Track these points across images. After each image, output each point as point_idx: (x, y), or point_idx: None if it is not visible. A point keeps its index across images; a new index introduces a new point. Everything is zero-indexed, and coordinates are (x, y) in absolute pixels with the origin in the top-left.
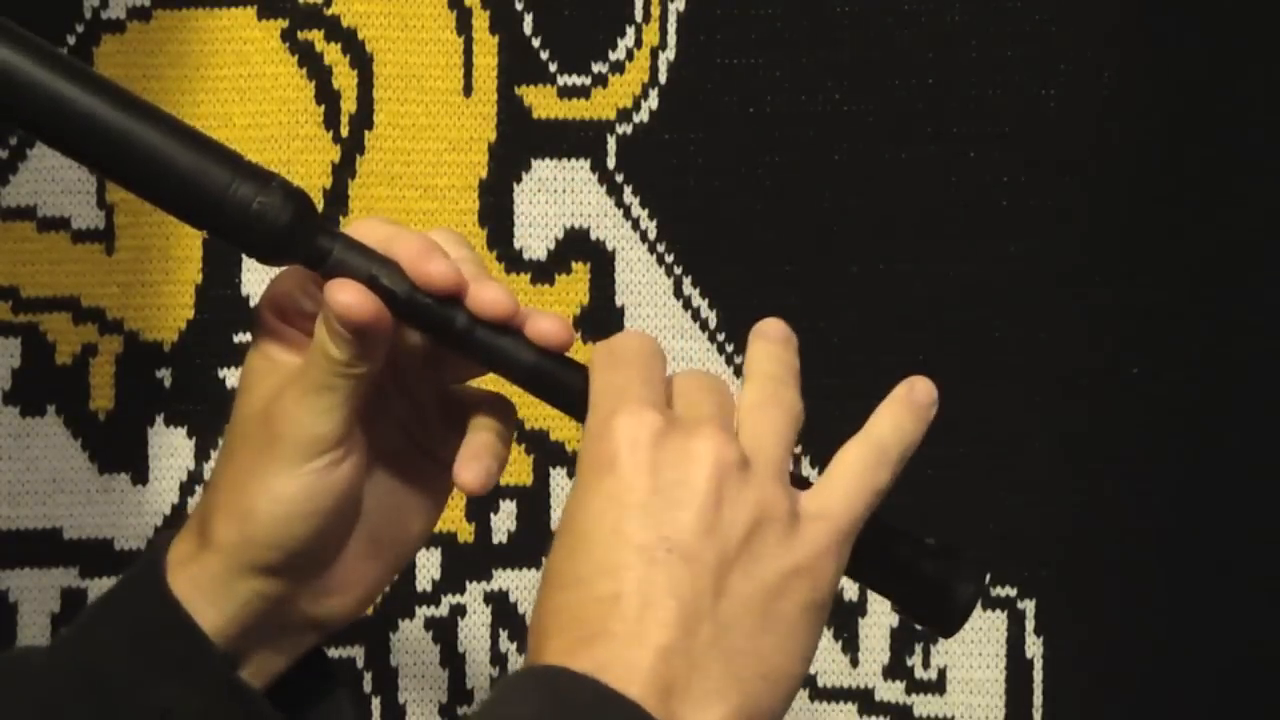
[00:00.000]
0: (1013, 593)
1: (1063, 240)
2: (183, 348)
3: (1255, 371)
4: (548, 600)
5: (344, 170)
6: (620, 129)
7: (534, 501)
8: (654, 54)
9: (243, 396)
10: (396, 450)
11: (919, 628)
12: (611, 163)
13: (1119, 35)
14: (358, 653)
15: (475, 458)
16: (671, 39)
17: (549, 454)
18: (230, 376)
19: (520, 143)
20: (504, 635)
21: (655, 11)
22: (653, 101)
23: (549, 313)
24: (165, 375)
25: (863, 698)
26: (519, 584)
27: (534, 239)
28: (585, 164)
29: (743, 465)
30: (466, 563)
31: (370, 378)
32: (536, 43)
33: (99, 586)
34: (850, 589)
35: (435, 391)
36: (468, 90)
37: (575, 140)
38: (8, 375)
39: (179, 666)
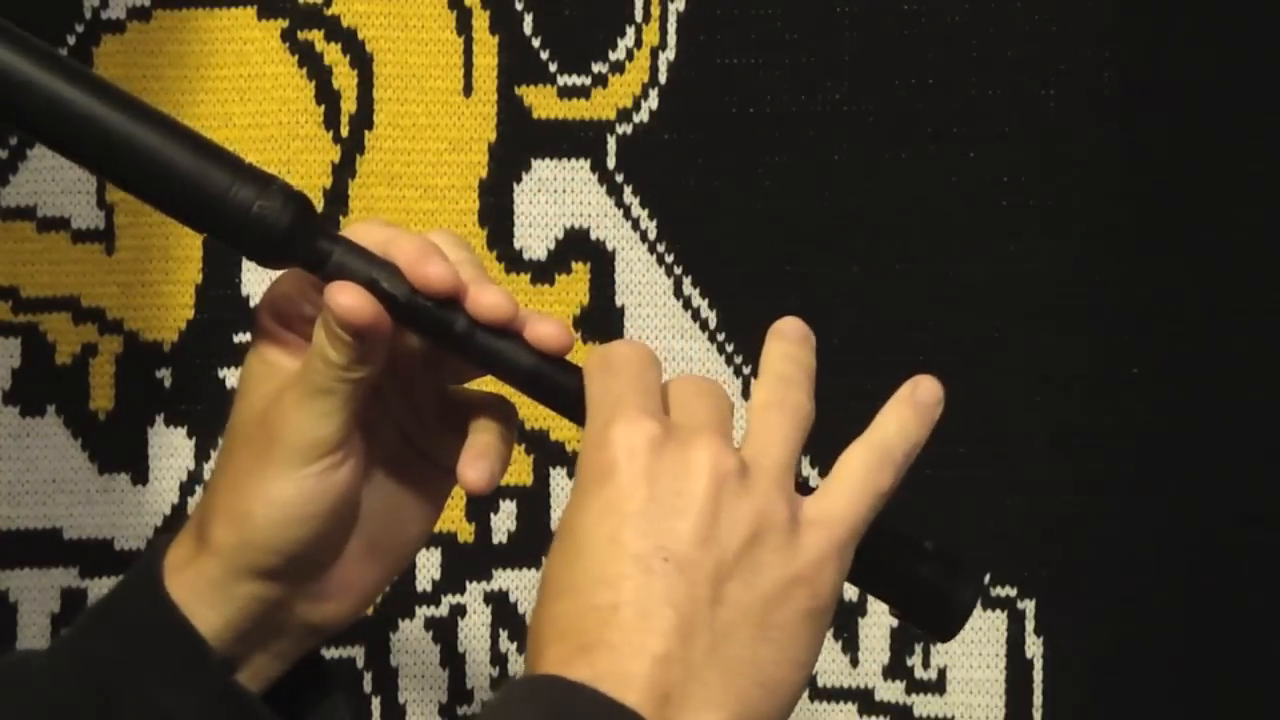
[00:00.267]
0: (1013, 593)
1: (1063, 240)
2: (183, 348)
3: (1255, 371)
4: (545, 609)
5: (344, 170)
6: (620, 129)
7: (534, 501)
8: (654, 54)
9: (241, 400)
10: (395, 453)
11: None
12: (611, 163)
13: (1119, 35)
14: (358, 653)
15: (480, 457)
16: (671, 39)
17: (549, 454)
18: (230, 376)
19: (520, 143)
20: (504, 635)
21: (655, 11)
22: (653, 101)
23: (548, 316)
24: (165, 375)
25: (863, 698)
26: (519, 584)
27: (534, 239)
28: (585, 164)
29: (741, 473)
30: (466, 563)
31: (369, 381)
32: (536, 43)
33: (99, 586)
34: (850, 589)
35: (434, 394)
36: (468, 90)
37: (575, 140)
38: (8, 375)
39: (177, 670)
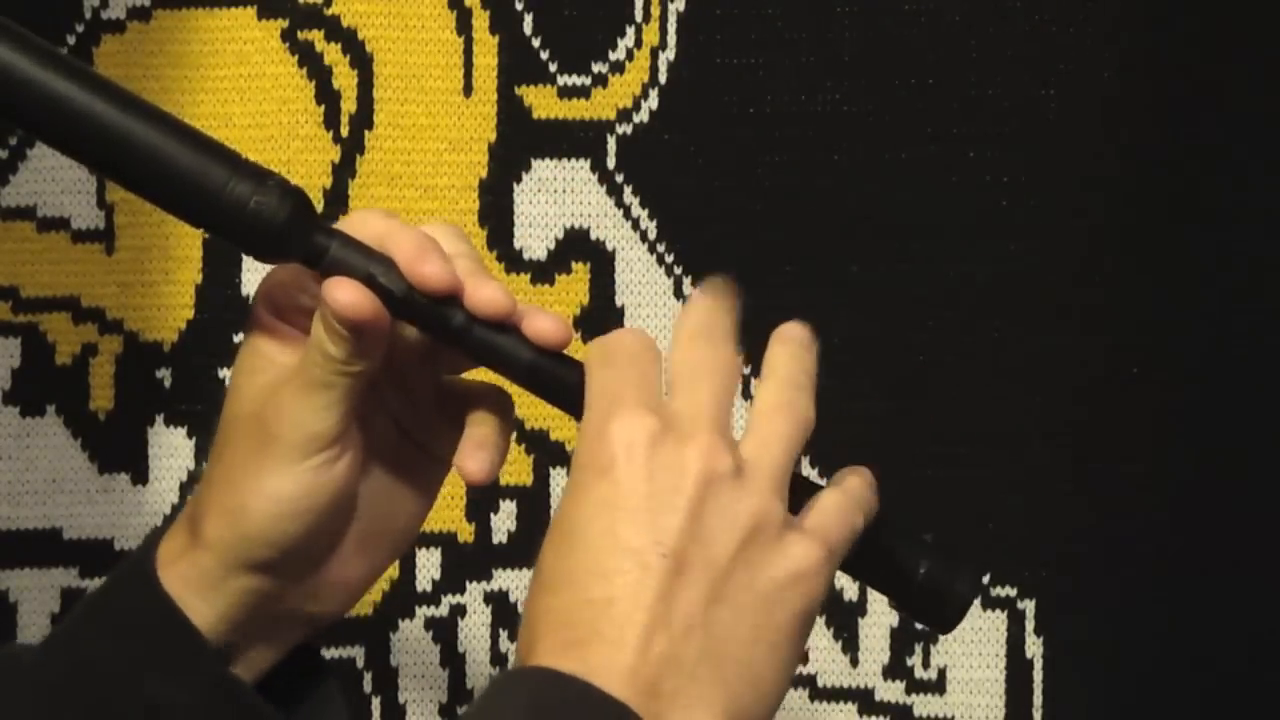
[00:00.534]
0: (1013, 593)
1: (1063, 240)
2: (183, 348)
3: (1255, 372)
4: (538, 601)
5: (344, 170)
6: (620, 129)
7: (534, 501)
8: (654, 54)
9: (234, 393)
10: (391, 445)
11: (918, 626)
12: (611, 163)
13: (1119, 35)
14: (358, 653)
15: (479, 448)
16: (671, 39)
17: (549, 454)
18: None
19: (520, 143)
20: (504, 635)
21: (655, 11)
22: (653, 101)
23: (547, 311)
24: (165, 375)
25: (863, 698)
26: (519, 584)
27: (534, 239)
28: (585, 164)
29: (736, 473)
30: (466, 563)
31: (368, 375)
32: (536, 43)
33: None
34: (850, 589)
35: (431, 386)
36: (468, 90)
37: (575, 140)
38: (8, 375)
39: (171, 662)
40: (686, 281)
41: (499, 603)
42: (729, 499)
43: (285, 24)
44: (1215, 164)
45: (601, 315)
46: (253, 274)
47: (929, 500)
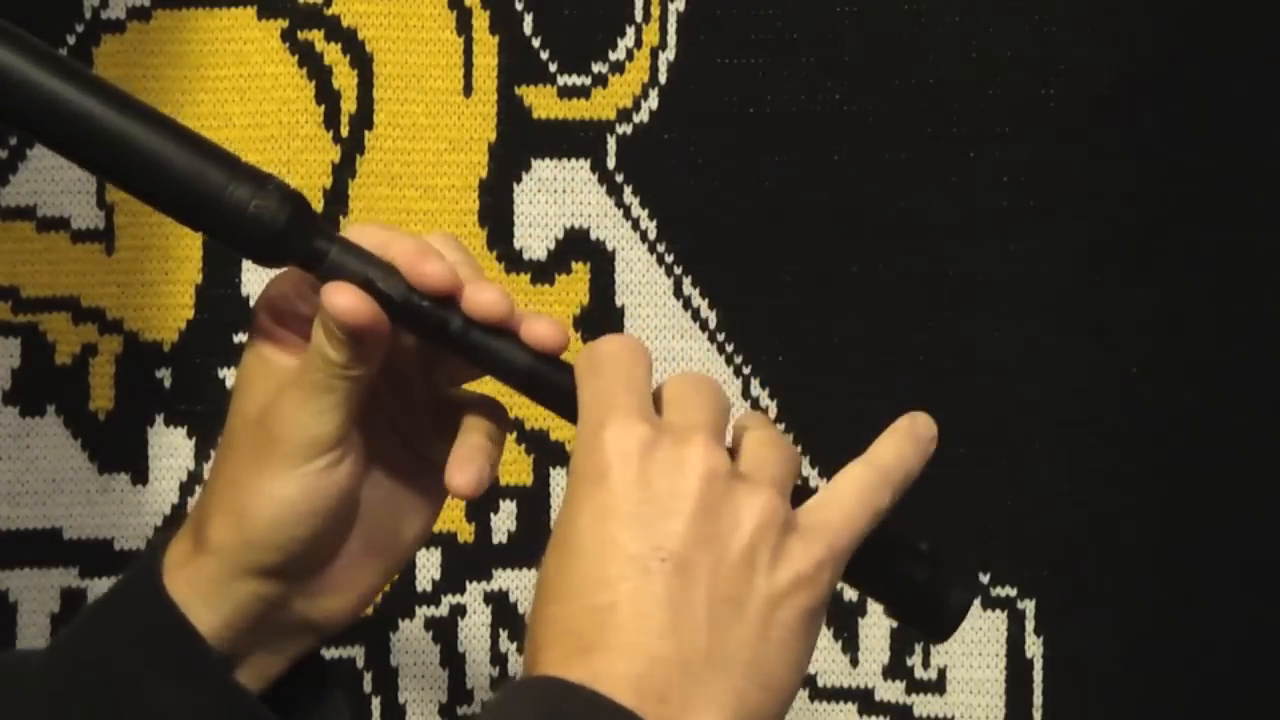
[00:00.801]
0: (1013, 593)
1: (1063, 240)
2: (183, 348)
3: (1255, 372)
4: (542, 612)
5: (344, 170)
6: (620, 129)
7: (534, 501)
8: (654, 54)
9: (238, 399)
10: (393, 453)
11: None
12: (611, 163)
13: (1119, 35)
14: (358, 653)
15: (468, 460)
16: (671, 39)
17: (549, 454)
18: (230, 376)
19: (520, 143)
20: (504, 635)
21: (655, 11)
22: (653, 101)
23: (544, 315)
24: (165, 375)
25: (863, 698)
26: (519, 584)
27: (534, 239)
28: (585, 164)
29: (736, 473)
30: (466, 563)
31: (368, 379)
32: (536, 43)
33: (99, 586)
34: (850, 589)
35: (429, 394)
36: (468, 90)
37: (575, 140)
38: (8, 375)
39: (176, 668)
40: (686, 281)
41: (499, 603)
42: (732, 498)
43: (285, 24)
44: (1215, 164)
45: (601, 315)
46: (252, 274)
47: (928, 500)
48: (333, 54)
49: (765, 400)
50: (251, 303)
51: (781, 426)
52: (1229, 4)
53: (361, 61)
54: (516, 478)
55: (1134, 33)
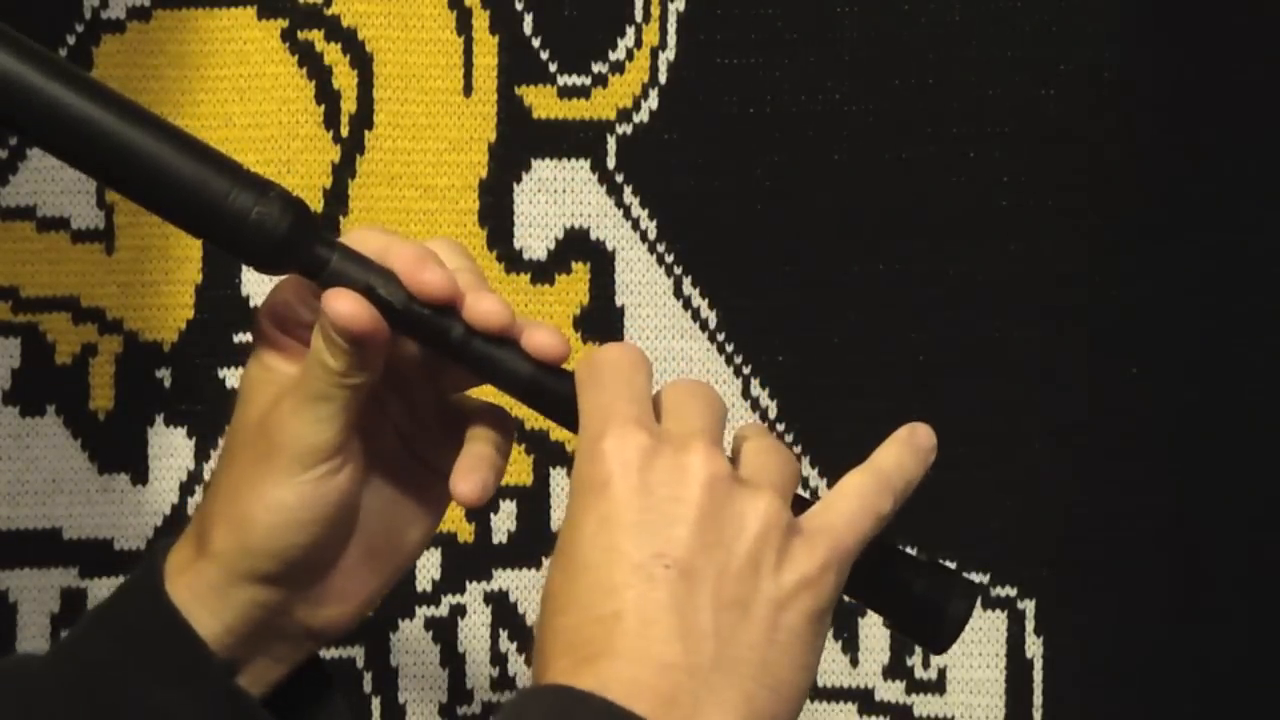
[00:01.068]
0: (1013, 593)
1: (1063, 240)
2: (183, 348)
3: (1255, 371)
4: (549, 623)
5: (344, 170)
6: (620, 129)
7: (534, 501)
8: (654, 54)
9: (241, 405)
10: (394, 460)
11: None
12: (611, 163)
13: (1119, 35)
14: (358, 653)
15: (473, 469)
16: (671, 39)
17: (549, 454)
18: (230, 376)
19: (520, 143)
20: (504, 635)
21: (655, 11)
22: (653, 101)
23: (545, 324)
24: (165, 375)
25: (863, 698)
26: (519, 584)
27: (534, 239)
28: (585, 164)
29: (737, 478)
30: (466, 563)
31: (367, 388)
32: (536, 43)
33: (99, 586)
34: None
35: (433, 401)
36: (468, 90)
37: (575, 140)
38: (8, 375)
39: (177, 673)
40: (686, 281)
41: (499, 603)
42: (735, 502)
43: (285, 24)
44: (1215, 164)
45: (601, 315)
46: (252, 275)
47: (929, 500)
48: (333, 54)
49: (765, 400)
50: (251, 303)
51: (781, 427)
52: (1229, 4)
53: (361, 61)
54: (516, 478)
55: (1134, 33)
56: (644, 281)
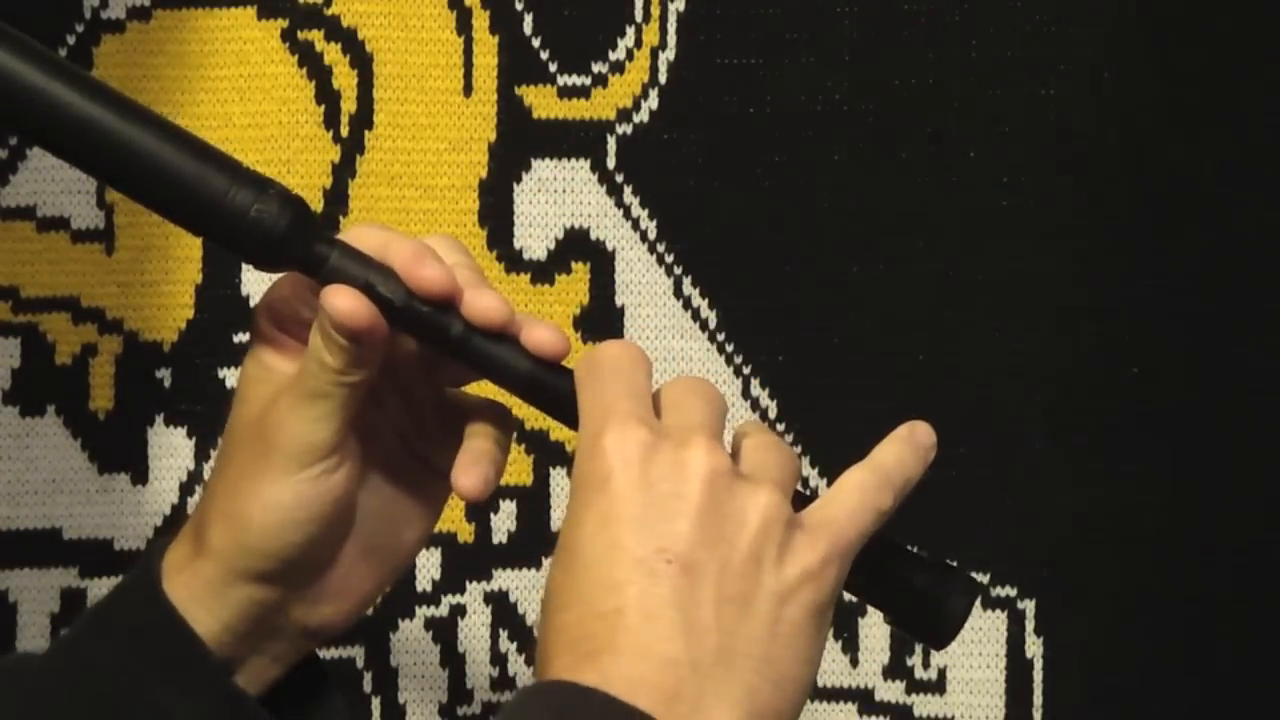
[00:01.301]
0: (1013, 593)
1: (1063, 240)
2: (183, 348)
3: (1255, 371)
4: (550, 620)
5: (344, 170)
6: (620, 129)
7: (534, 501)
8: (654, 54)
9: (239, 403)
10: (392, 458)
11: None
12: (611, 163)
13: (1119, 35)
14: (358, 653)
15: (474, 463)
16: (671, 39)
17: (549, 454)
18: (230, 376)
19: (520, 143)
20: (504, 635)
21: (655, 11)
22: (653, 101)
23: (545, 321)
24: (165, 375)
25: (863, 698)
26: (519, 584)
27: (534, 239)
28: (585, 164)
29: (738, 473)
30: (466, 563)
31: (365, 386)
32: (536, 43)
33: (99, 586)
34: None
35: (432, 397)
36: (468, 90)
37: (575, 140)
38: (8, 375)
39: (175, 672)
40: (686, 281)
41: (499, 603)
42: (735, 497)
43: (285, 24)
44: (1215, 164)
45: (601, 315)
46: (252, 274)
47: (929, 500)
48: (333, 54)
49: (765, 400)
50: (251, 303)
51: (781, 427)
52: (1229, 4)
53: (361, 61)
54: (516, 478)
55: (1134, 33)
56: (644, 281)
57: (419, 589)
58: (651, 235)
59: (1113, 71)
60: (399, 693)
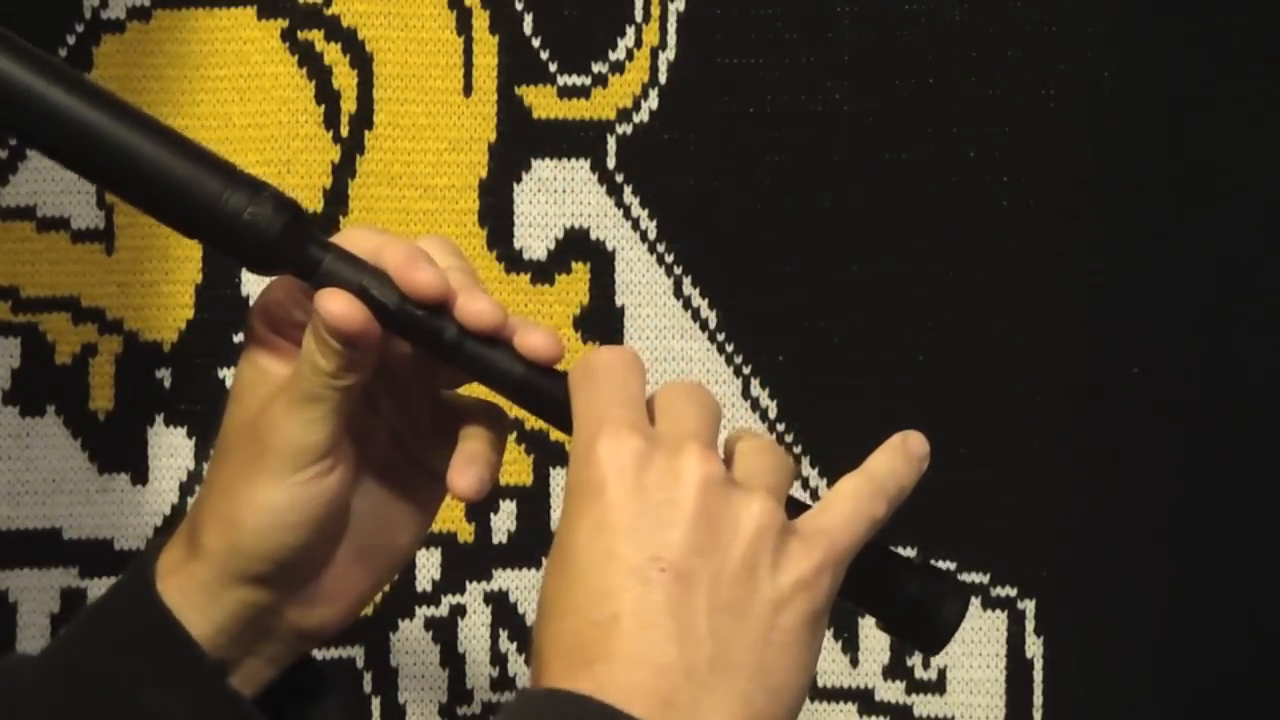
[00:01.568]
0: (1013, 593)
1: (1063, 240)
2: (183, 348)
3: (1255, 371)
4: (545, 628)
5: (344, 170)
6: (620, 129)
7: (534, 501)
8: (654, 54)
9: (233, 406)
10: (386, 460)
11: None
12: (611, 163)
13: (1119, 35)
14: (358, 653)
15: (469, 465)
16: (671, 39)
17: (549, 454)
18: (230, 377)
19: (520, 143)
20: (504, 635)
21: (655, 11)
22: (653, 101)
23: (539, 325)
24: (165, 375)
25: (863, 698)
26: (519, 584)
27: (534, 239)
28: (585, 164)
29: (731, 480)
30: (466, 563)
31: (359, 389)
32: (536, 43)
33: (99, 586)
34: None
35: (427, 399)
36: (468, 90)
37: (575, 140)
38: (8, 375)
39: (169, 673)
40: (686, 281)
41: (499, 603)
42: (729, 504)
43: (285, 24)
44: (1215, 163)
45: (601, 315)
46: (252, 275)
47: (929, 500)
48: (333, 54)
49: (765, 400)
50: (251, 303)
51: (781, 427)
52: (1228, 4)
53: (361, 61)
54: (516, 478)
55: (1134, 33)
56: (644, 281)
57: (419, 589)
58: (651, 235)
59: (1113, 71)
60: (399, 693)
